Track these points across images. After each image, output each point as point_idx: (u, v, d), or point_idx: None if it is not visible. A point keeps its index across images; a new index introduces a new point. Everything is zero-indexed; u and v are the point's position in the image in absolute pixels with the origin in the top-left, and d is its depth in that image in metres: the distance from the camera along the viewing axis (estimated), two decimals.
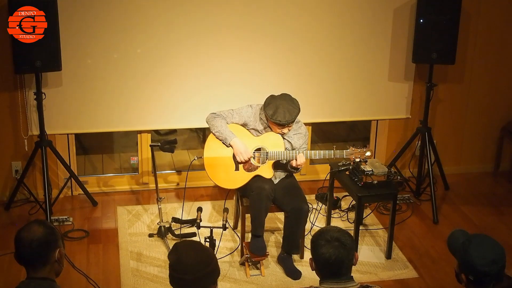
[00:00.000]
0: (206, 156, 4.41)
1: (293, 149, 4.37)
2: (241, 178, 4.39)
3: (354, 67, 5.42)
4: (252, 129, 4.40)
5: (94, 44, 4.96)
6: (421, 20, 5.05)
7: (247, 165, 4.38)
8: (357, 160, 4.35)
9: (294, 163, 4.29)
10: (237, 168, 4.39)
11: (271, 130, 4.35)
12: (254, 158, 4.38)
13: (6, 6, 4.44)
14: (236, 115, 4.41)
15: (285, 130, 4.30)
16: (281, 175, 4.48)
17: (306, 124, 5.39)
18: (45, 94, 4.81)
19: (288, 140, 4.38)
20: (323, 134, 6.57)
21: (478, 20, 5.53)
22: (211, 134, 4.41)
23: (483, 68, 5.71)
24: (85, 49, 4.96)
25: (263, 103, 4.31)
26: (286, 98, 4.28)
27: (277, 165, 4.43)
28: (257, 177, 4.36)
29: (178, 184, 5.55)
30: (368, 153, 4.35)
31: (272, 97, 4.30)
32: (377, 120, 5.76)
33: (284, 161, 4.41)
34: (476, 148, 5.98)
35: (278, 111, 4.19)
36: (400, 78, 5.54)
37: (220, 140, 4.37)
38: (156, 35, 5.02)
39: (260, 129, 4.38)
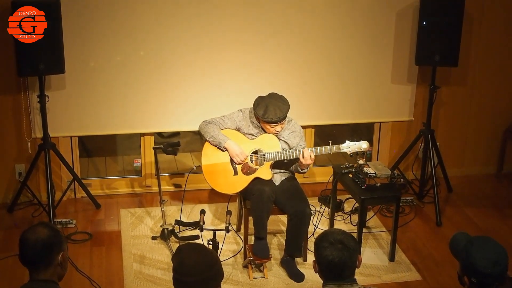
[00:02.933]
0: (204, 164, 4.42)
1: (290, 148, 4.38)
2: (241, 182, 4.39)
3: (357, 70, 5.42)
4: (247, 133, 4.41)
5: (97, 47, 4.97)
6: (424, 23, 5.05)
7: (246, 168, 4.38)
8: (354, 153, 4.34)
9: (303, 161, 4.26)
10: (235, 173, 4.40)
11: (265, 132, 4.36)
12: (252, 161, 4.38)
13: (9, 8, 4.45)
14: (228, 120, 4.42)
15: (277, 128, 4.30)
16: (282, 177, 4.48)
17: (308, 126, 5.43)
18: (48, 97, 4.82)
19: (284, 141, 4.39)
20: (326, 136, 6.56)
21: (481, 22, 5.53)
22: (206, 142, 4.41)
23: (486, 70, 5.71)
24: (88, 51, 4.97)
25: (252, 106, 4.32)
26: (274, 96, 4.30)
27: (276, 166, 4.44)
28: (257, 179, 4.37)
29: (180, 187, 5.56)
30: (364, 146, 4.35)
31: (260, 98, 4.31)
32: (380, 123, 5.76)
33: (285, 161, 4.41)
34: (479, 150, 5.97)
35: (269, 110, 4.20)
36: (403, 80, 5.54)
37: (215, 145, 4.38)
38: (159, 37, 5.03)
39: (255, 132, 4.39)
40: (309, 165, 4.35)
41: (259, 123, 4.34)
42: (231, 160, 4.38)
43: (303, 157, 4.24)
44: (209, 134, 4.37)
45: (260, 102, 4.27)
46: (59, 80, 4.94)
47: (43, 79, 4.75)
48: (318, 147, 4.33)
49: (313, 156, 4.25)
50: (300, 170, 4.41)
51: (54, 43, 4.55)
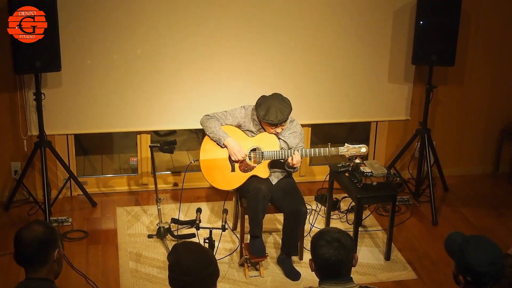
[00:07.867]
0: (202, 159, 4.42)
1: (289, 148, 4.38)
2: (238, 179, 4.39)
3: (354, 69, 5.42)
4: (247, 130, 4.41)
5: (94, 44, 4.96)
6: (421, 22, 5.06)
7: (243, 165, 4.38)
8: (352, 156, 4.36)
9: (290, 161, 4.29)
10: (233, 169, 4.40)
11: (265, 131, 4.36)
12: (250, 158, 4.38)
13: (6, 6, 4.44)
14: (230, 116, 4.42)
15: (278, 130, 4.31)
16: (279, 176, 4.48)
17: (305, 125, 5.43)
18: (44, 95, 4.81)
19: (284, 140, 4.39)
20: (322, 135, 6.57)
21: (478, 22, 5.54)
22: (206, 136, 4.42)
23: (483, 70, 5.71)
24: (85, 49, 4.96)
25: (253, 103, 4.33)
26: (277, 98, 4.29)
27: (273, 165, 4.44)
28: (254, 177, 4.37)
29: (177, 185, 5.56)
30: (363, 149, 4.36)
31: (263, 98, 4.31)
32: (377, 122, 5.76)
33: (282, 161, 4.41)
34: (476, 150, 5.98)
35: (270, 111, 4.20)
36: (399, 79, 5.55)
37: (214, 141, 4.38)
38: (156, 36, 5.02)
39: (255, 130, 4.39)
40: (295, 166, 4.36)
41: (260, 122, 4.35)
42: (229, 156, 4.38)
43: (292, 159, 4.27)
44: (210, 129, 4.37)
45: (262, 102, 4.27)
46: (56, 78, 4.93)
47: (40, 76, 4.74)
48: (316, 149, 4.34)
49: (299, 159, 4.28)
50: (287, 168, 4.42)
51: (51, 40, 4.53)
